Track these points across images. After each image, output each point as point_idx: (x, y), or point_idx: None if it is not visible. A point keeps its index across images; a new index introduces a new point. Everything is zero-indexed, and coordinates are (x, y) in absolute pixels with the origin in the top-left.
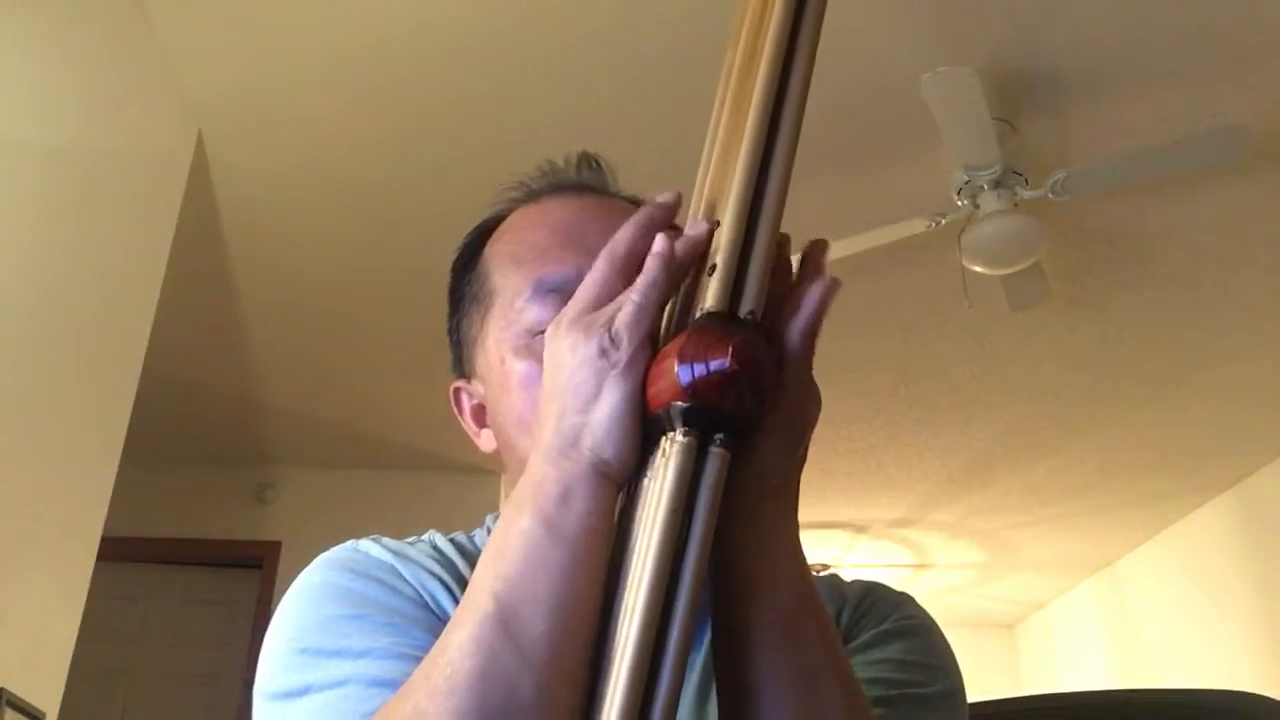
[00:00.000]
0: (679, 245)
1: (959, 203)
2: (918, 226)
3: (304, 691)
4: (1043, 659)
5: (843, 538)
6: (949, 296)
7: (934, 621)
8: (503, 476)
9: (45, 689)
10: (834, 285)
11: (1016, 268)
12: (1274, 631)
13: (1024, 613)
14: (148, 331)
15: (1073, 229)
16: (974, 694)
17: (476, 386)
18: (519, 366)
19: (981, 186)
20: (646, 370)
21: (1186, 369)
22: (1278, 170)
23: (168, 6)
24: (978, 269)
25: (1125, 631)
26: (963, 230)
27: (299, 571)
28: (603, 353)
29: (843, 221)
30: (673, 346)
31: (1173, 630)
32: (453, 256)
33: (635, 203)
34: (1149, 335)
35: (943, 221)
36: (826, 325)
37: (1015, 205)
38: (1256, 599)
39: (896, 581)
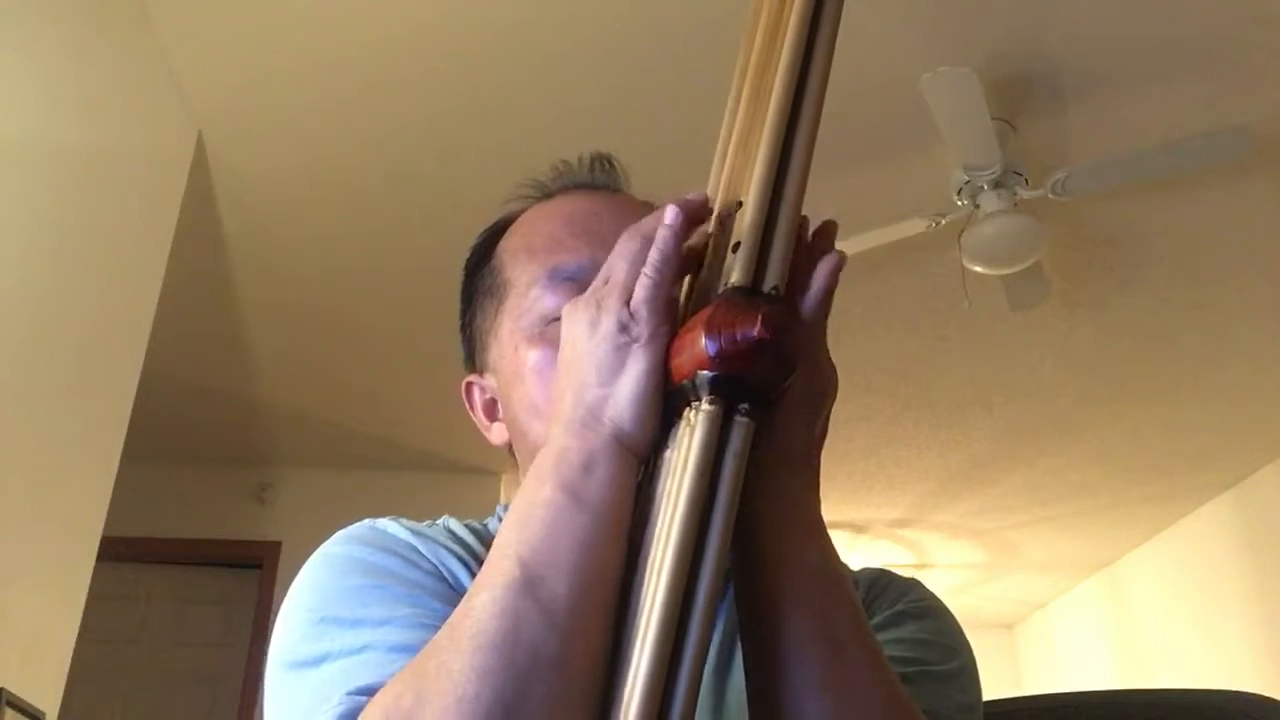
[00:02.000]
0: (681, 208)
1: (959, 203)
2: (918, 226)
3: (323, 659)
4: (1043, 659)
5: (843, 538)
6: (949, 296)
7: (944, 604)
8: (503, 478)
9: (45, 689)
10: (841, 259)
11: (1016, 268)
12: (1274, 631)
13: (1024, 613)
14: (148, 331)
15: (1073, 229)
16: None
17: (489, 380)
18: (532, 354)
19: (981, 186)
20: (668, 344)
21: (1186, 369)
22: (1278, 170)
23: (168, 6)
24: (978, 269)
25: (1125, 631)
26: (963, 230)
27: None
28: (623, 328)
29: (843, 221)
30: (697, 320)
31: (1173, 630)
32: (466, 255)
33: (648, 204)
34: (1149, 335)
35: (943, 221)
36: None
37: (1015, 205)
38: (1256, 599)
39: None
